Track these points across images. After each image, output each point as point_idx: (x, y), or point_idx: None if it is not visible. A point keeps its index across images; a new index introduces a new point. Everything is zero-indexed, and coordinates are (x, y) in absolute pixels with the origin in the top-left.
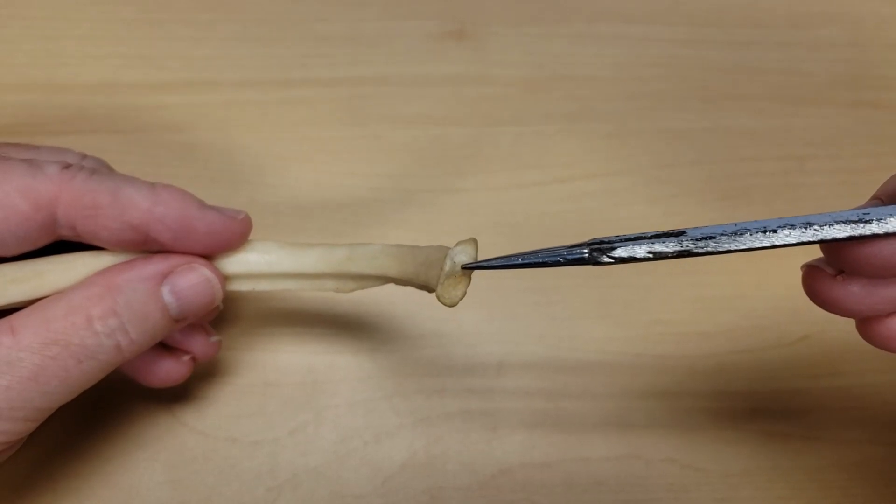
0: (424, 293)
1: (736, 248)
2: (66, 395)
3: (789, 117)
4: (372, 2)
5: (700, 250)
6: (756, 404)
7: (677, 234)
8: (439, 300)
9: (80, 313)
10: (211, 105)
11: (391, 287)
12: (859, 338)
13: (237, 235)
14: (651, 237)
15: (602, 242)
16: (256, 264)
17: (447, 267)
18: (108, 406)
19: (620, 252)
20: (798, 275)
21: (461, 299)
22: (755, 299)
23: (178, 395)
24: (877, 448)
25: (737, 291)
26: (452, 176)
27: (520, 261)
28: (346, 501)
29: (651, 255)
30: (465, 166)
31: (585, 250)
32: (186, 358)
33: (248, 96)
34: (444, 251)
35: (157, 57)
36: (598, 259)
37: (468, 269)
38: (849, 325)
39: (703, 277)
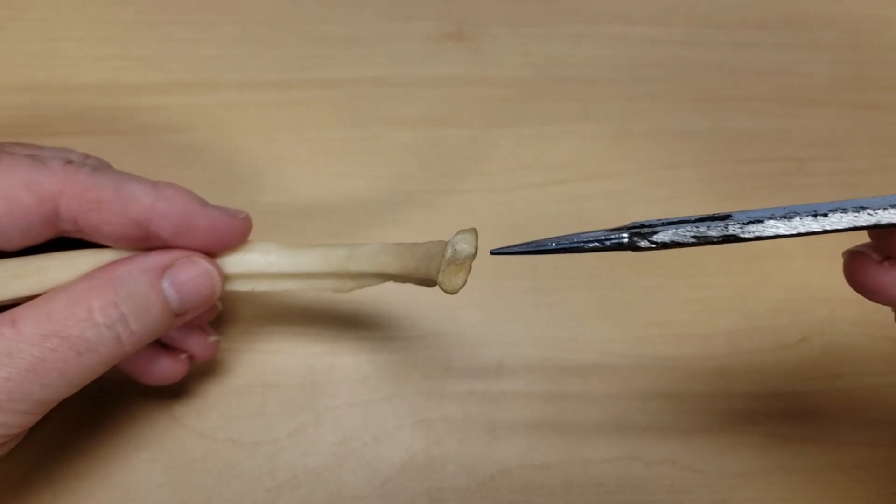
0: (424, 294)
1: (785, 232)
2: (66, 389)
3: (789, 118)
4: (371, 3)
5: (747, 235)
6: (756, 406)
7: (723, 218)
8: (441, 287)
9: (80, 304)
10: (210, 106)
11: (391, 289)
12: (859, 339)
13: (238, 233)
14: (695, 220)
15: (643, 226)
16: (256, 264)
17: (448, 254)
18: (107, 406)
19: (662, 236)
20: (797, 276)
21: (462, 287)
22: (755, 301)
23: (178, 396)
24: (877, 450)
25: (736, 293)
26: (452, 177)
27: (553, 245)
28: (346, 503)
29: (695, 240)
30: (464, 167)
31: (625, 235)
32: (184, 356)
33: (247, 98)
34: (443, 244)
35: (156, 58)
36: (638, 244)
37: (496, 253)
38: (848, 326)
39: (703, 279)
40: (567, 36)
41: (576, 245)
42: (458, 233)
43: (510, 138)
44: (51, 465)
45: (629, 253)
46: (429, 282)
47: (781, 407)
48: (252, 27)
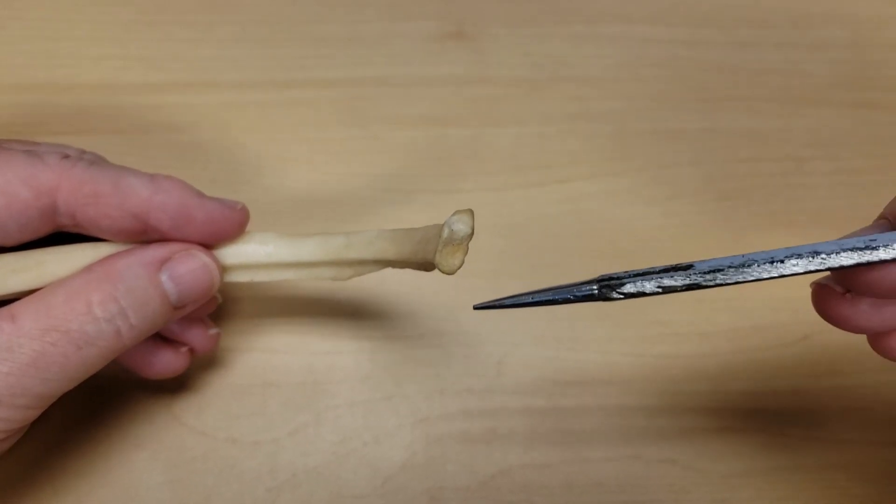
0: (425, 294)
1: (744, 279)
2: (67, 383)
3: (789, 118)
4: (371, 3)
5: (709, 283)
6: (756, 404)
7: (685, 268)
8: (439, 268)
9: (79, 299)
10: (210, 106)
11: (392, 288)
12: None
13: (235, 225)
14: (659, 272)
15: (611, 279)
16: (254, 254)
17: (445, 234)
18: (107, 405)
19: (630, 288)
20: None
21: (459, 268)
22: (755, 299)
23: (179, 394)
24: (877, 448)
25: (736, 292)
26: (452, 177)
27: (531, 299)
28: (346, 502)
29: (660, 290)
30: (464, 167)
31: (595, 287)
32: (184, 349)
33: (247, 97)
34: (439, 227)
35: (156, 58)
36: (608, 295)
37: (479, 308)
38: None
39: None
40: (567, 36)
41: (551, 298)
42: (454, 213)
43: (510, 138)
44: (51, 462)
45: (628, 253)
46: (427, 265)
47: (782, 405)
48: (252, 27)
